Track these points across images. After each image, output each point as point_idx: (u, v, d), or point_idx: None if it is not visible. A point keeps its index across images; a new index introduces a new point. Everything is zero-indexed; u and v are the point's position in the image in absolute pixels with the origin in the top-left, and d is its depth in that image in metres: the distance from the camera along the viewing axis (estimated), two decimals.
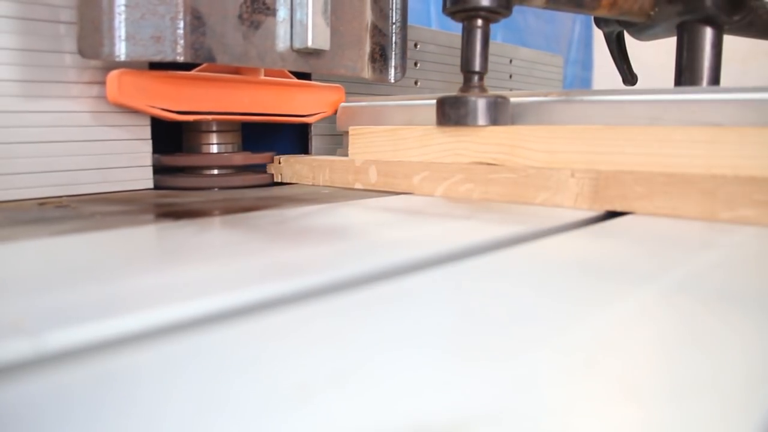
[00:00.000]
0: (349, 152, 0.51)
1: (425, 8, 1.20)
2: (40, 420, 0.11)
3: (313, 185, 0.51)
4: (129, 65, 0.45)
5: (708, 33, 0.55)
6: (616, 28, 0.66)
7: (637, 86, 0.69)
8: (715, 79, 0.56)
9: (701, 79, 0.55)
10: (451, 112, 0.42)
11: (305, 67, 0.51)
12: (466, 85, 0.43)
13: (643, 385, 0.12)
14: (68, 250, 0.26)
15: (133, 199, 0.43)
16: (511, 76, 0.90)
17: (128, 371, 0.13)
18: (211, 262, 0.22)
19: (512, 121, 0.44)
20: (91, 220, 0.33)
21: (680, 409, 0.11)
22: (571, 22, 1.58)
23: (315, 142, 0.62)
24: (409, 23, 0.59)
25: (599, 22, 0.67)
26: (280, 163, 0.54)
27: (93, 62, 0.44)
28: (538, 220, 0.32)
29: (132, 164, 0.47)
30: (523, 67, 0.92)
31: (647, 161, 0.35)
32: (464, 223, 0.32)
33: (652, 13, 0.55)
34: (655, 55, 0.94)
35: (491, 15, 0.41)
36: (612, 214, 0.34)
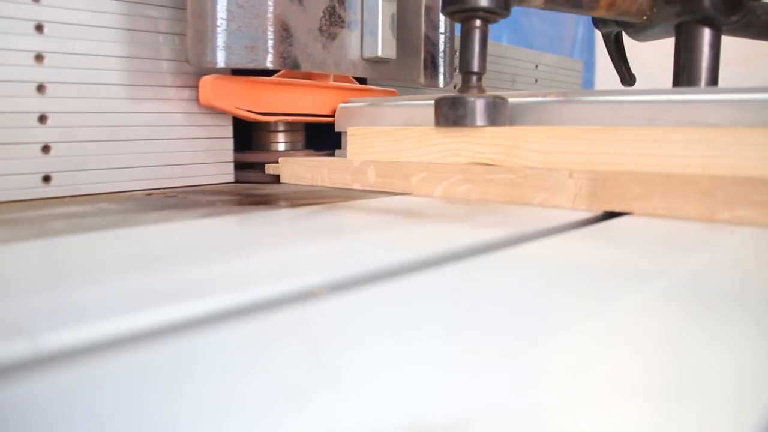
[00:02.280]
0: (348, 153, 0.50)
1: None
2: (40, 420, 0.11)
3: (319, 186, 0.50)
4: (216, 71, 0.48)
5: (706, 34, 0.54)
6: (615, 29, 0.65)
7: (636, 87, 0.68)
8: (713, 80, 0.56)
9: (699, 79, 0.55)
10: (450, 113, 0.41)
11: (373, 74, 0.56)
12: (465, 85, 0.42)
13: (641, 385, 0.12)
14: (231, 227, 0.30)
15: (223, 190, 0.47)
16: (536, 81, 0.91)
17: (128, 371, 0.12)
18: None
19: (511, 121, 0.43)
20: (212, 207, 0.37)
21: (678, 409, 0.11)
22: (574, 24, 1.56)
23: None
24: None
25: (597, 23, 0.66)
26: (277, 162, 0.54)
27: (186, 68, 0.47)
28: (536, 221, 0.32)
29: (217, 160, 0.51)
30: (547, 72, 0.93)
31: (645, 162, 0.34)
32: (462, 223, 0.31)
33: (650, 13, 0.54)
34: (657, 56, 0.93)
35: (489, 15, 0.41)
36: (610, 215, 0.33)
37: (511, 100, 0.44)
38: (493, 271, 0.22)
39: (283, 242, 0.27)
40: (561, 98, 0.42)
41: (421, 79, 0.61)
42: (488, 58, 0.82)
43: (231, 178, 0.53)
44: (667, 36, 0.58)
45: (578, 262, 0.23)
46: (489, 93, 0.42)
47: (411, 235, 0.28)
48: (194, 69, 0.47)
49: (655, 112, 0.37)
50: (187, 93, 0.48)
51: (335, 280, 0.20)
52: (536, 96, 0.43)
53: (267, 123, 0.55)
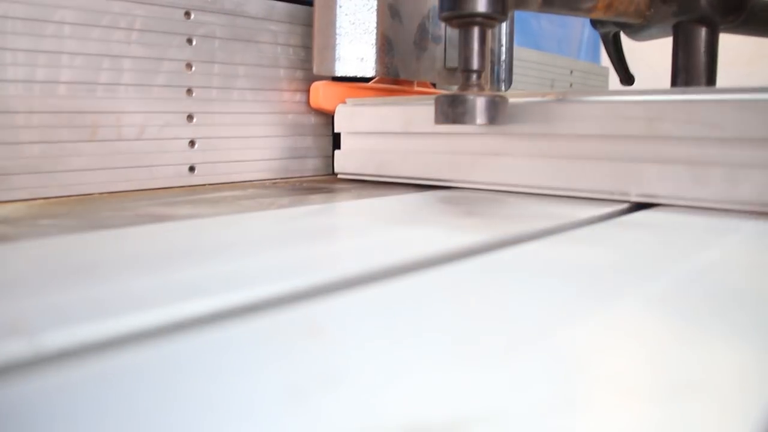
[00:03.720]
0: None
1: None
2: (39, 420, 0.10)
3: None
4: (322, 79, 0.52)
5: (703, 33, 0.50)
6: (613, 29, 0.61)
7: (635, 86, 0.65)
8: (711, 79, 0.51)
9: (697, 79, 0.51)
10: (449, 111, 0.38)
11: (452, 81, 0.59)
12: (465, 83, 0.38)
13: (639, 386, 0.11)
14: (388, 205, 0.34)
15: (335, 180, 0.50)
16: (571, 85, 0.95)
17: (127, 371, 0.12)
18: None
19: (510, 120, 0.40)
20: (350, 192, 0.41)
21: (677, 409, 0.10)
22: (580, 26, 1.48)
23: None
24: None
25: (596, 24, 0.62)
26: None
27: (297, 74, 0.52)
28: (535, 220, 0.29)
29: (320, 155, 0.55)
30: (580, 77, 0.97)
31: None
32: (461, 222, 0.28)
33: (647, 14, 0.51)
34: (661, 57, 0.86)
35: (487, 21, 0.37)
36: (611, 215, 0.31)
37: (510, 100, 0.39)
38: (493, 270, 0.20)
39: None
40: (561, 98, 0.39)
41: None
42: (530, 65, 0.79)
43: (331, 170, 0.54)
44: (665, 36, 0.54)
45: (578, 261, 0.21)
46: (489, 91, 0.38)
47: (410, 234, 0.26)
48: (303, 76, 0.52)
49: (655, 112, 0.34)
50: (298, 96, 0.52)
51: (335, 279, 0.18)
52: (536, 96, 0.40)
53: None
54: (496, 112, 0.38)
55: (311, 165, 0.55)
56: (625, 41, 0.64)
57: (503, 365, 0.12)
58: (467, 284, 0.19)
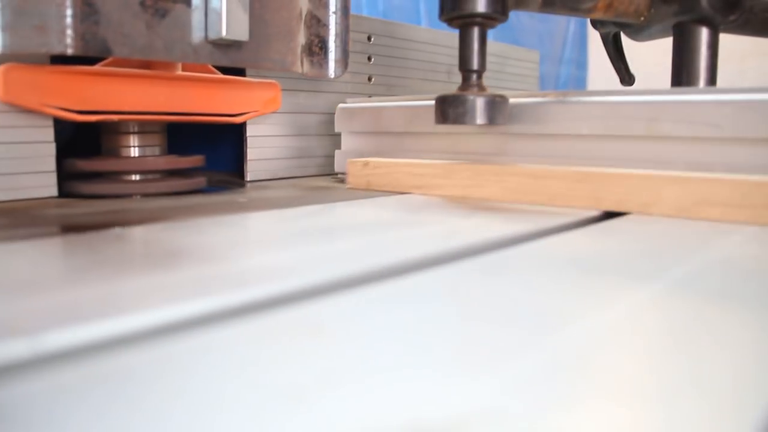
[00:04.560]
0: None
1: (414, 6, 1.08)
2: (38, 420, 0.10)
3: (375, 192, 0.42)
4: (21, 59, 0.35)
5: (704, 33, 0.50)
6: (613, 29, 0.60)
7: (635, 87, 0.64)
8: (711, 79, 0.51)
9: (698, 79, 0.50)
10: (449, 111, 0.37)
11: (223, 61, 0.40)
12: (465, 83, 0.38)
13: (638, 385, 0.11)
14: None
15: (17, 209, 0.34)
16: None
17: (126, 371, 0.12)
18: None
19: (509, 120, 0.39)
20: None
21: (676, 409, 0.10)
22: (565, 21, 1.46)
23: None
24: (391, 19, 0.50)
25: (595, 23, 0.62)
26: (366, 166, 0.43)
27: None
28: (534, 220, 0.29)
29: (31, 170, 0.37)
30: (495, 63, 0.78)
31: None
32: (464, 222, 0.28)
33: (647, 14, 0.50)
34: (653, 56, 0.88)
35: (487, 21, 0.37)
36: (610, 215, 0.31)
37: (510, 100, 0.39)
38: (492, 270, 0.20)
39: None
40: (561, 98, 0.39)
41: (298, 68, 0.45)
42: (412, 45, 0.67)
43: (53, 191, 0.38)
44: (665, 36, 0.54)
45: (578, 261, 0.21)
46: (489, 92, 0.38)
47: (410, 234, 0.26)
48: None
49: (655, 113, 0.34)
50: None
51: (332, 279, 0.18)
52: (536, 96, 0.40)
53: (117, 124, 0.41)
54: (496, 112, 0.38)
55: (16, 184, 0.37)
56: (625, 41, 0.64)
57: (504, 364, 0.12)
58: (468, 283, 0.19)
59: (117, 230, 0.26)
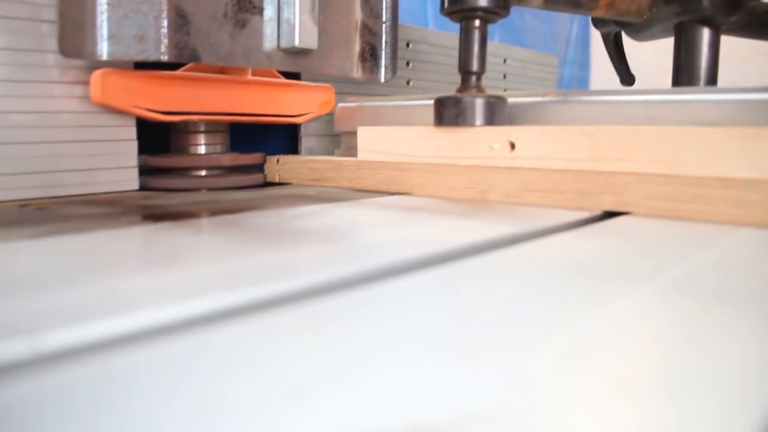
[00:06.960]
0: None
1: (422, 9, 1.09)
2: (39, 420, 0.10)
3: (309, 185, 0.45)
4: (114, 65, 0.39)
5: (705, 33, 0.50)
6: (614, 29, 0.60)
7: (635, 86, 0.64)
8: (712, 80, 0.51)
9: (699, 79, 0.50)
10: (448, 112, 0.38)
11: (293, 67, 0.45)
12: (464, 85, 0.38)
13: (638, 385, 0.11)
14: (34, 253, 0.23)
15: (117, 200, 0.38)
16: (505, 76, 0.81)
17: (125, 371, 0.12)
18: (205, 264, 0.20)
19: (509, 121, 0.39)
20: (67, 223, 0.29)
21: (675, 408, 0.10)
22: (568, 23, 1.45)
23: (310, 143, 0.56)
24: (401, 22, 0.53)
25: (597, 23, 0.61)
26: (278, 162, 0.48)
27: (77, 62, 0.39)
28: (534, 220, 0.29)
29: (117, 165, 0.42)
30: (517, 67, 0.83)
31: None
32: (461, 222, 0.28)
33: (649, 13, 0.50)
34: (654, 56, 0.88)
35: (489, 15, 0.37)
36: (609, 215, 0.31)
37: (510, 100, 0.39)
38: (492, 270, 0.20)
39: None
40: (561, 98, 0.38)
41: (355, 73, 0.50)
42: (444, 51, 0.70)
43: (135, 185, 0.43)
44: (667, 36, 0.53)
45: (576, 261, 0.21)
46: (488, 93, 0.38)
47: (409, 234, 0.26)
48: (89, 63, 0.39)
49: (655, 112, 0.34)
50: (79, 90, 0.39)
51: (331, 280, 0.18)
52: (536, 96, 0.39)
53: (186, 123, 0.46)
54: (494, 113, 0.38)
55: (104, 178, 0.42)
56: (626, 42, 0.63)
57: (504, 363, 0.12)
58: (468, 283, 0.19)
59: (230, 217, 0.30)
